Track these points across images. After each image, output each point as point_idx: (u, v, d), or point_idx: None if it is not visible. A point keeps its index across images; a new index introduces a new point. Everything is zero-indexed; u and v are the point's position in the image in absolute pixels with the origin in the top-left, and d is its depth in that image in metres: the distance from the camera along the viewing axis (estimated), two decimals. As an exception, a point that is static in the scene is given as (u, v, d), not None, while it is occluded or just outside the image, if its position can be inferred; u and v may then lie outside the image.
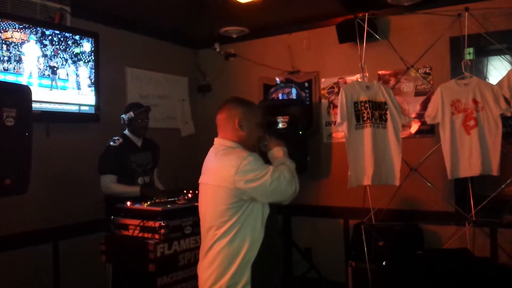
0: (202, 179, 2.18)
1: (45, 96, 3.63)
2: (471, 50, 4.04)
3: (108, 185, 3.52)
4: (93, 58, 3.98)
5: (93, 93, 3.99)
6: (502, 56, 5.19)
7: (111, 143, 3.59)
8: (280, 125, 4.32)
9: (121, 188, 3.52)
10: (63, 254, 3.87)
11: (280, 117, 4.33)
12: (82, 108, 3.91)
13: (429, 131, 4.21)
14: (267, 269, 2.07)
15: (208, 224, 2.09)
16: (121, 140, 3.61)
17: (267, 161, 2.16)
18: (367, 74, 3.98)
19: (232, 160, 2.01)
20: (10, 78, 3.39)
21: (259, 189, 1.98)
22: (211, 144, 2.21)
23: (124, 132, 3.70)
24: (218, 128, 2.21)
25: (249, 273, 2.00)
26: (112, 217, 3.27)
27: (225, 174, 2.00)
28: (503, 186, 3.69)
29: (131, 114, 3.61)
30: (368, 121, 3.62)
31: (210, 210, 2.08)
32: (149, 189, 3.61)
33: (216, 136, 2.23)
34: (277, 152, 2.19)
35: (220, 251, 2.02)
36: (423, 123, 4.17)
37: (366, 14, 3.80)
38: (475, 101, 3.55)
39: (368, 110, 3.63)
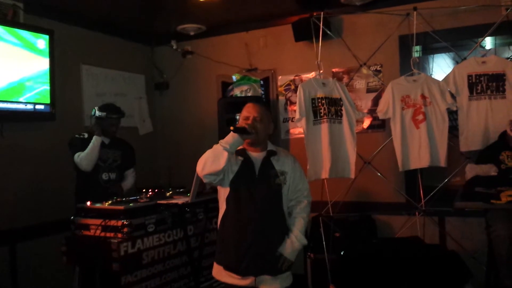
0: None
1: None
2: (418, 48, 4.26)
3: (78, 159, 3.49)
4: (48, 55, 3.88)
5: (48, 91, 3.90)
6: (446, 54, 5.48)
7: (77, 135, 3.58)
8: (239, 122, 4.35)
9: (85, 151, 3.49)
10: (21, 257, 3.77)
11: (239, 114, 4.35)
12: (37, 107, 3.81)
13: (380, 126, 4.39)
14: (226, 236, 2.52)
15: None
16: (86, 135, 3.59)
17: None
18: (322, 71, 4.10)
19: None
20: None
21: None
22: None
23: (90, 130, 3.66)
24: None
25: (219, 235, 2.58)
26: (72, 217, 3.24)
27: None
28: (450, 177, 3.93)
29: (103, 114, 3.57)
30: (325, 116, 3.74)
31: None
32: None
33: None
34: None
35: None
36: (374, 118, 4.35)
37: (322, 13, 3.91)
38: (423, 97, 3.75)
39: (324, 106, 3.75)
